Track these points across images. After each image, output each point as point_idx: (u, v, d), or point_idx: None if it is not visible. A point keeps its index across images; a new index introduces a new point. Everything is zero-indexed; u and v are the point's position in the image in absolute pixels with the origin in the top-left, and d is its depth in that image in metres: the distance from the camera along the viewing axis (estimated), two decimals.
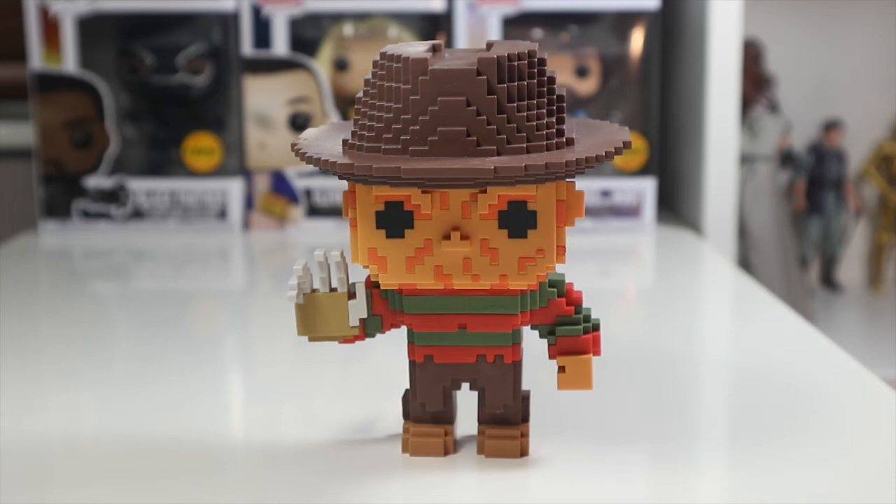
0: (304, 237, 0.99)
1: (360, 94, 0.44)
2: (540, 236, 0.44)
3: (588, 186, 0.99)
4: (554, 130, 0.43)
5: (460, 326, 0.46)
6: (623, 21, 1.00)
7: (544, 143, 0.43)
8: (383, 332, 0.47)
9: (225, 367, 0.65)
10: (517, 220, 0.43)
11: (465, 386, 0.47)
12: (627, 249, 0.97)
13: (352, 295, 0.46)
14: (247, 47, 1.00)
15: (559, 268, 0.45)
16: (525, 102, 0.43)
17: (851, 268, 1.33)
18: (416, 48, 0.44)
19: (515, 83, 0.42)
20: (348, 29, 1.00)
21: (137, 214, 1.01)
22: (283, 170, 1.01)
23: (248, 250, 0.97)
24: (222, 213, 1.01)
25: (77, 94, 1.01)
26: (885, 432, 0.51)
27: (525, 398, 0.48)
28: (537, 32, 1.00)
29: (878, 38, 1.28)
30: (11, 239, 1.00)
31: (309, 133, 0.47)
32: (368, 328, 0.47)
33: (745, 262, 1.20)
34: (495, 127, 0.42)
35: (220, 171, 1.01)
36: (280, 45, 0.99)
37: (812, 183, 1.28)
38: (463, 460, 0.47)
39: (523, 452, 0.47)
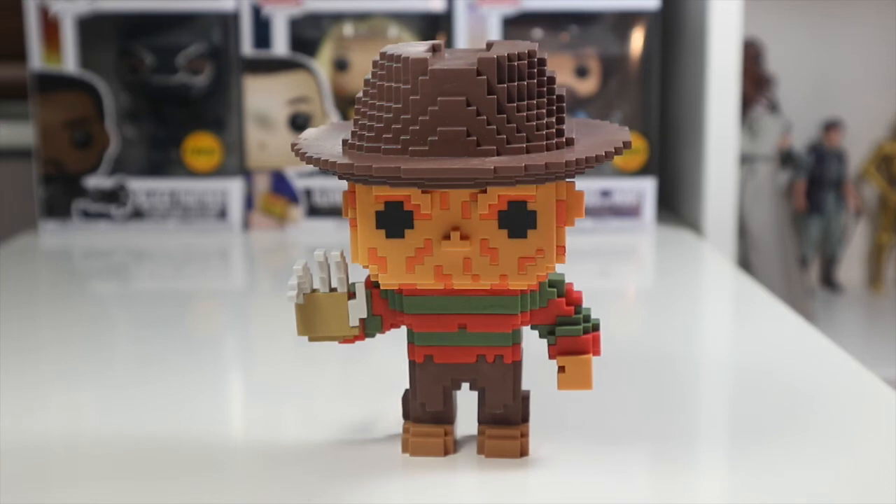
0: (304, 237, 0.99)
1: (360, 94, 0.44)
2: (540, 236, 0.44)
3: (588, 186, 0.99)
4: (554, 130, 0.43)
5: (460, 326, 0.46)
6: (623, 21, 1.00)
7: (544, 143, 0.43)
8: (383, 332, 0.47)
9: (225, 367, 0.65)
10: (517, 220, 0.43)
11: (465, 386, 0.47)
12: (627, 249, 0.97)
13: (352, 295, 0.46)
14: (247, 47, 1.00)
15: (559, 268, 0.45)
16: (525, 102, 0.43)
17: (851, 268, 1.33)
18: (416, 48, 0.44)
19: (515, 83, 0.42)
20: (348, 29, 1.00)
21: (137, 214, 1.01)
22: (283, 170, 1.01)
23: (248, 250, 0.97)
24: (222, 213, 1.01)
25: (77, 94, 1.01)
26: (885, 432, 0.51)
27: (525, 398, 0.48)
28: (537, 32, 1.00)
29: (878, 38, 1.28)
30: (11, 239, 1.00)
31: (309, 133, 0.47)
32: (368, 328, 0.47)
33: (745, 262, 1.20)
34: (495, 127, 0.42)
35: (220, 171, 1.01)
36: (280, 45, 0.99)
37: (812, 183, 1.28)
38: (463, 460, 0.47)
39: (523, 452, 0.47)
